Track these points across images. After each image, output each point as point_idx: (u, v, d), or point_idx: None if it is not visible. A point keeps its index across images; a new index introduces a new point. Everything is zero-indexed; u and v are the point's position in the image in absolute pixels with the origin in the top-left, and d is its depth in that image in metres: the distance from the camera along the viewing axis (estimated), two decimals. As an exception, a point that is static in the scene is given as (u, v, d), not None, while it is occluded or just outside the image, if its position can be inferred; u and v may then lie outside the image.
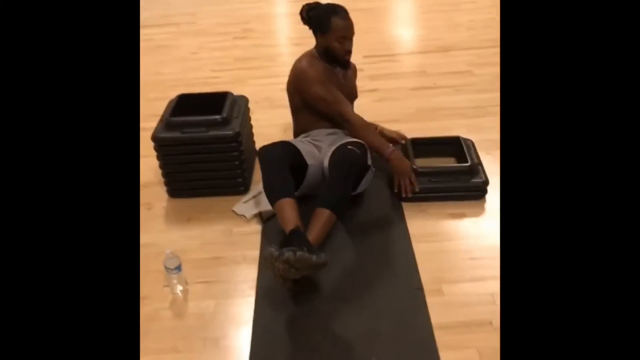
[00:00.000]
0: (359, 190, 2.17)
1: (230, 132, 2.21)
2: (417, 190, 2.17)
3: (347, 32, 2.15)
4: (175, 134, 2.23)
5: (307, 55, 2.25)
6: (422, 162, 2.29)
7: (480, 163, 2.29)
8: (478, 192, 2.23)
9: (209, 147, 2.24)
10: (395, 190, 2.19)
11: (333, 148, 2.13)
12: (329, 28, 2.14)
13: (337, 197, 1.97)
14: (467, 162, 2.24)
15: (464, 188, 2.22)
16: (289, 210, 1.89)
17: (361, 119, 2.23)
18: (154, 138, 2.24)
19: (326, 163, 2.11)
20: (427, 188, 2.21)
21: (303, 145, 2.18)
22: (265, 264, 1.74)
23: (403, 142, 2.43)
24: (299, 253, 1.63)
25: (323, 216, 1.91)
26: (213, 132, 2.22)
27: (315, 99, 2.20)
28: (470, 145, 2.40)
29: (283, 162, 2.02)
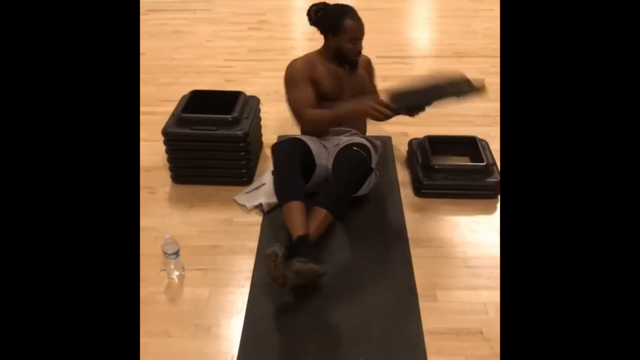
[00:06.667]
0: (360, 193, 2.16)
1: (239, 133, 2.24)
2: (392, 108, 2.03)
3: (359, 33, 2.14)
4: (185, 130, 2.26)
5: (300, 58, 2.24)
6: (438, 160, 2.34)
7: (494, 163, 2.33)
8: (492, 192, 2.28)
9: (217, 145, 2.27)
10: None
11: (338, 149, 2.14)
12: (341, 29, 2.11)
13: (336, 197, 1.99)
14: (482, 161, 2.30)
15: (479, 187, 2.28)
16: (297, 214, 1.89)
17: (316, 112, 2.16)
18: (164, 132, 2.27)
19: (330, 164, 2.12)
20: (442, 185, 2.28)
21: (313, 143, 2.17)
22: (265, 260, 1.70)
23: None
24: (310, 265, 1.66)
25: (320, 216, 1.93)
26: (222, 131, 2.25)
27: (289, 105, 2.24)
28: (485, 145, 2.45)
29: (295, 161, 2.03)
